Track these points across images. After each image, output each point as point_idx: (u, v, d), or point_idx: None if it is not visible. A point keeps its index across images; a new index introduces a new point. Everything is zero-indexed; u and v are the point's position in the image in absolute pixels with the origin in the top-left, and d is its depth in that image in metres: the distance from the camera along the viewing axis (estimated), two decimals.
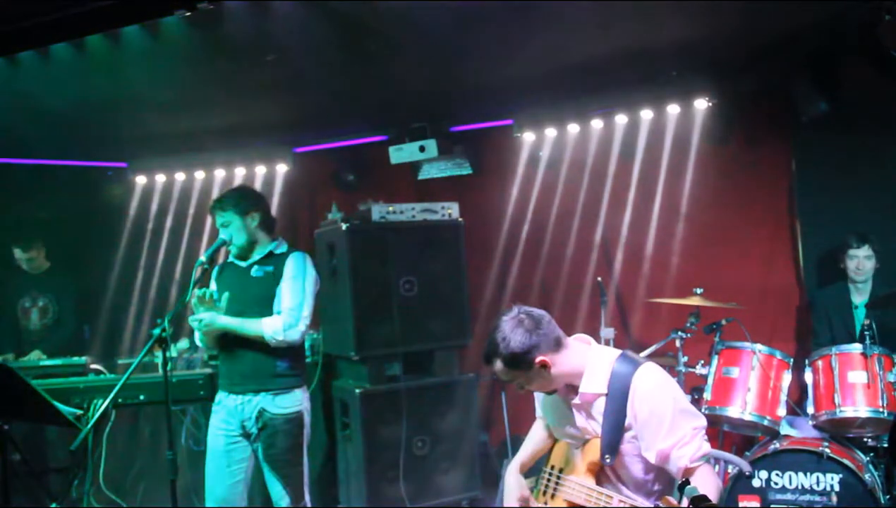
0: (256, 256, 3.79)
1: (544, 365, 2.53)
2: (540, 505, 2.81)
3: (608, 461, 2.53)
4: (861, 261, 4.65)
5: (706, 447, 2.48)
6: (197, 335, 3.83)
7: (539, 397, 2.89)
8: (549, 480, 2.82)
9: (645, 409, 2.47)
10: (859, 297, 4.77)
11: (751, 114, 5.23)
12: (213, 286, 3.87)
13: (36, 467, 4.42)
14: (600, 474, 2.60)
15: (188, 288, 3.49)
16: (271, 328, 3.61)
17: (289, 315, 3.65)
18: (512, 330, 2.54)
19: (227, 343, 3.70)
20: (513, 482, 2.88)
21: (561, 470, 2.78)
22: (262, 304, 3.68)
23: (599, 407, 2.57)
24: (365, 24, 3.84)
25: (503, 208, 5.99)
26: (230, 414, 3.69)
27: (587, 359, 2.61)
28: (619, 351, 2.65)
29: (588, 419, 2.62)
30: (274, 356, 3.65)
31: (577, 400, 2.62)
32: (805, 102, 4.75)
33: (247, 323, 3.64)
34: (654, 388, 2.49)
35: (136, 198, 6.22)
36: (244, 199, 3.79)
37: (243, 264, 3.81)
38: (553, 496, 2.77)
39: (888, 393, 3.97)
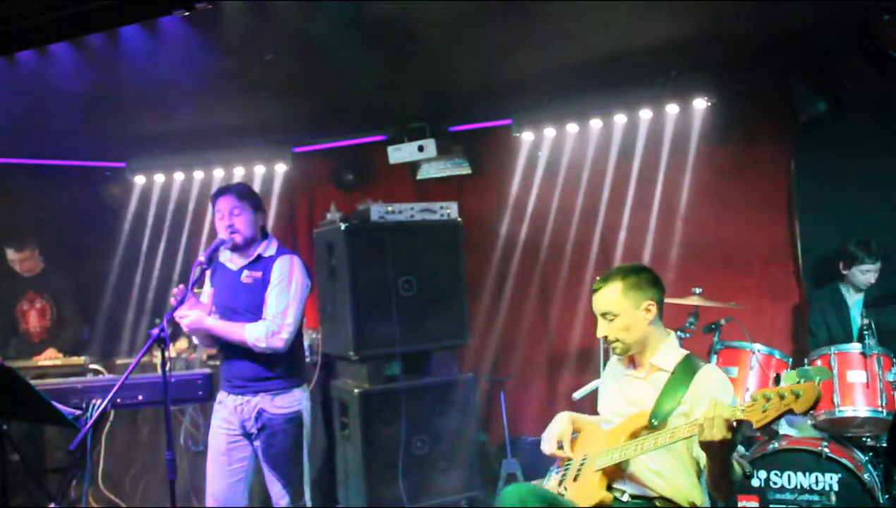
0: (248, 259, 3.73)
1: (648, 310, 2.76)
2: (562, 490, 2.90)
3: (654, 423, 2.67)
4: (872, 275, 4.68)
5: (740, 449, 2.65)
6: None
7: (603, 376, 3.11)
8: (577, 468, 2.89)
9: (706, 394, 2.58)
10: (854, 297, 4.78)
11: (750, 114, 5.23)
12: (208, 286, 3.86)
13: (34, 467, 4.41)
14: (617, 470, 2.75)
15: (187, 288, 3.47)
16: (254, 335, 3.56)
17: (272, 322, 3.59)
18: (639, 272, 2.81)
19: (227, 343, 3.68)
20: (561, 420, 3.04)
21: (585, 458, 2.87)
22: (252, 312, 3.64)
23: (659, 382, 2.76)
24: (364, 24, 3.84)
25: (502, 208, 5.99)
26: (231, 413, 3.68)
27: (665, 340, 2.83)
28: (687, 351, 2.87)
29: (645, 390, 2.79)
30: (273, 356, 3.63)
31: (640, 373, 2.83)
32: (805, 102, 4.75)
33: (231, 328, 3.61)
34: (721, 383, 2.70)
35: (134, 198, 6.21)
36: (258, 197, 3.78)
37: (234, 268, 3.75)
38: (576, 479, 2.83)
39: (887, 392, 3.98)
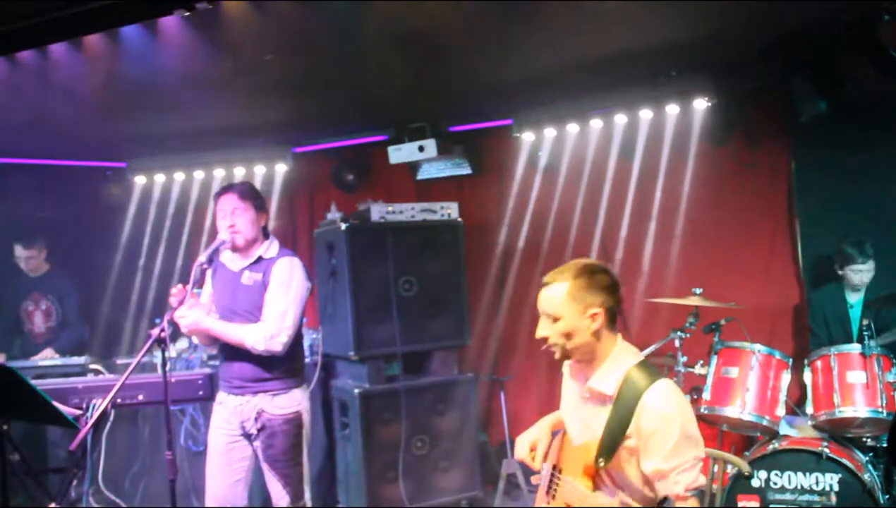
0: (249, 260, 3.73)
1: (593, 318, 2.48)
2: (543, 506, 2.79)
3: (601, 464, 2.47)
4: (864, 275, 4.67)
5: (702, 479, 2.43)
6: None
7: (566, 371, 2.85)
8: (551, 479, 2.81)
9: (651, 426, 2.39)
10: (854, 297, 4.78)
11: (750, 114, 5.23)
12: (208, 286, 3.86)
13: (35, 467, 4.41)
14: (596, 477, 2.56)
15: (186, 288, 3.46)
16: (253, 337, 3.56)
17: (272, 324, 3.58)
18: (593, 272, 2.51)
19: (227, 344, 3.68)
20: (539, 426, 2.89)
21: (560, 470, 2.76)
22: (252, 313, 3.64)
23: (603, 411, 2.52)
24: (364, 24, 3.84)
25: (502, 208, 5.99)
26: (231, 413, 3.68)
27: (610, 355, 2.55)
28: (641, 357, 2.58)
29: (591, 416, 2.58)
30: (272, 357, 3.63)
31: (585, 394, 2.60)
32: (805, 102, 4.75)
33: (230, 329, 3.61)
34: (666, 409, 2.40)
35: (135, 198, 6.21)
36: (260, 197, 3.77)
37: (235, 269, 3.74)
38: (554, 496, 2.76)
39: (887, 393, 3.98)
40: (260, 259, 3.71)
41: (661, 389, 2.44)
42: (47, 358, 5.20)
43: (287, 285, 3.65)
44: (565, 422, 2.80)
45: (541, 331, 2.57)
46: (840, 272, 4.76)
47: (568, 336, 2.51)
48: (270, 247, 3.76)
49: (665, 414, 2.39)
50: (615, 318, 2.55)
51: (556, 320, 2.51)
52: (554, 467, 2.82)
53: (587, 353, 2.55)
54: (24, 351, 5.47)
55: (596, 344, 2.53)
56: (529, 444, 2.86)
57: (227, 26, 3.61)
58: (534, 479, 2.89)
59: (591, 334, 2.50)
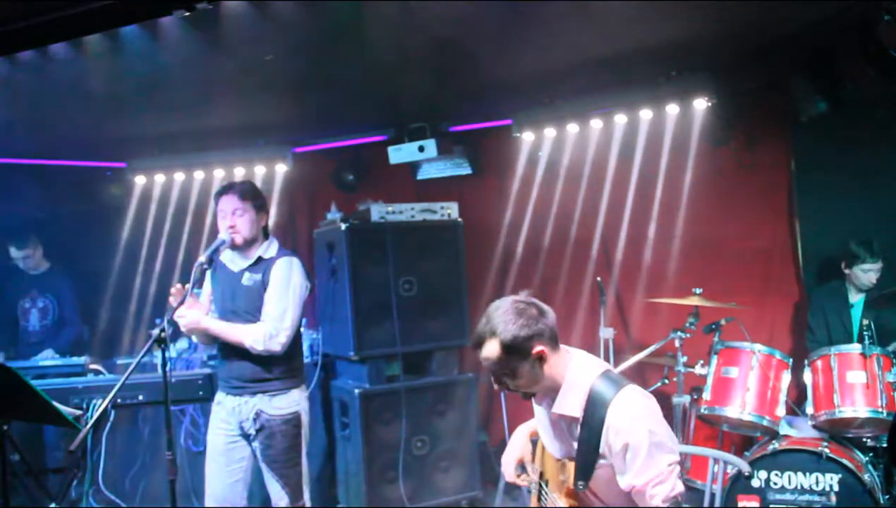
0: (248, 260, 3.73)
1: (541, 357, 2.39)
2: None
3: (581, 487, 2.43)
4: (873, 275, 4.67)
5: (679, 486, 2.37)
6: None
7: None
8: (540, 488, 2.79)
9: (619, 442, 2.35)
10: (856, 296, 4.78)
11: (750, 114, 5.22)
12: (207, 286, 3.86)
13: (35, 467, 4.41)
14: (581, 498, 2.52)
15: (186, 288, 3.46)
16: (252, 337, 3.56)
17: (271, 324, 3.59)
18: (517, 312, 2.39)
19: (226, 344, 3.68)
20: (518, 441, 2.84)
21: (547, 482, 2.75)
22: (252, 314, 3.64)
23: (573, 431, 2.47)
24: (364, 24, 3.84)
25: (502, 208, 5.99)
26: (229, 414, 3.68)
27: (568, 375, 2.47)
28: (602, 369, 2.50)
29: (565, 436, 2.54)
30: (272, 358, 3.63)
31: (554, 417, 2.53)
32: (805, 102, 4.75)
33: (229, 329, 3.61)
34: (629, 421, 2.34)
35: (135, 199, 6.21)
36: (261, 197, 3.77)
37: (235, 270, 3.74)
38: (540, 496, 2.76)
39: (887, 393, 3.98)
40: (260, 259, 3.71)
41: (623, 401, 2.38)
42: (47, 357, 5.20)
43: (286, 285, 3.65)
44: (542, 439, 2.76)
45: (496, 387, 2.50)
46: (847, 271, 4.75)
47: (528, 383, 2.45)
48: (270, 248, 3.76)
49: (630, 429, 2.34)
50: (556, 339, 2.47)
51: (507, 375, 2.43)
52: (541, 475, 2.80)
53: (550, 382, 2.48)
54: (18, 350, 5.47)
55: (551, 372, 2.45)
56: (516, 463, 2.82)
57: (228, 26, 3.61)
58: (521, 480, 2.85)
59: (548, 372, 2.44)
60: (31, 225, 5.77)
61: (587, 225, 5.76)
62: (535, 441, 2.87)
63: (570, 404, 2.45)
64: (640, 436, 2.33)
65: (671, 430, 2.45)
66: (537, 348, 2.39)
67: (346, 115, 5.76)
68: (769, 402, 4.17)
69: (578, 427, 2.43)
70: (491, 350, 2.40)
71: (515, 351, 2.38)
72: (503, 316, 2.40)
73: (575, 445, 2.45)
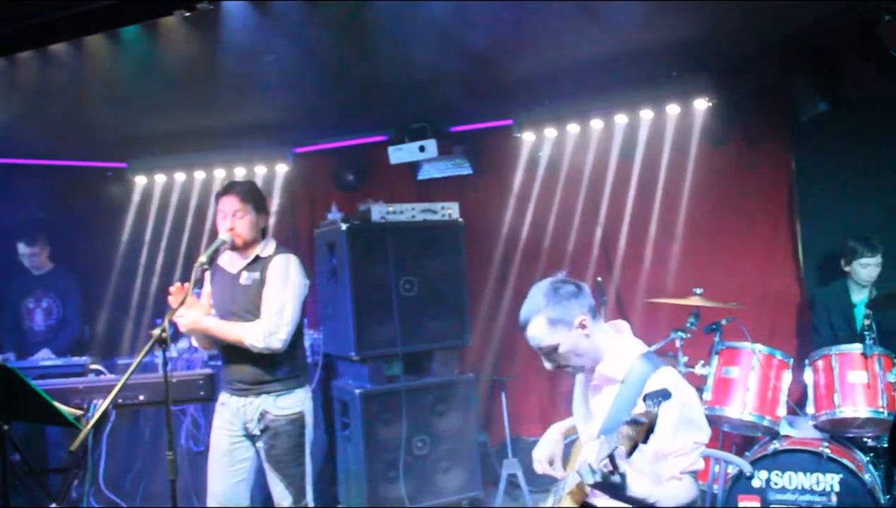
0: (246, 260, 3.72)
1: (583, 326, 2.53)
2: (549, 506, 2.78)
3: (604, 440, 2.43)
4: (873, 269, 4.66)
5: (700, 464, 2.46)
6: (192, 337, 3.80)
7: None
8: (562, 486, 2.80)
9: None
10: (859, 295, 4.77)
11: (751, 114, 5.22)
12: (207, 286, 3.85)
13: (35, 467, 4.41)
14: (579, 489, 2.55)
15: (185, 288, 3.46)
16: (251, 335, 3.55)
17: (270, 321, 3.57)
18: (555, 289, 2.56)
19: (228, 345, 3.68)
20: (550, 438, 2.87)
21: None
22: (252, 313, 3.63)
23: (612, 392, 2.57)
24: (365, 24, 3.84)
25: (503, 208, 5.99)
26: (234, 415, 3.68)
27: (613, 344, 2.62)
28: (645, 349, 2.65)
29: (600, 402, 2.62)
30: (275, 357, 3.63)
31: (594, 381, 2.64)
32: (805, 102, 4.75)
33: (229, 327, 3.60)
34: (672, 385, 2.42)
35: (135, 199, 6.21)
36: (262, 198, 3.76)
37: (233, 271, 3.73)
38: (560, 497, 2.76)
39: (888, 393, 3.97)
40: (257, 258, 3.71)
41: (665, 374, 2.50)
42: (47, 358, 5.20)
43: (284, 281, 3.65)
44: (576, 422, 2.82)
45: (549, 366, 2.62)
46: (847, 268, 4.74)
47: (573, 355, 2.58)
48: (267, 246, 3.76)
49: (672, 384, 2.42)
50: (594, 311, 2.61)
51: (555, 349, 2.57)
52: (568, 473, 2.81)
53: (594, 358, 2.61)
54: (20, 350, 5.47)
55: (598, 345, 2.59)
56: (548, 459, 2.85)
57: (228, 26, 3.61)
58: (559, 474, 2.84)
59: (589, 340, 2.57)
60: (39, 224, 5.78)
61: (588, 225, 5.76)
62: (566, 440, 2.91)
63: (615, 366, 2.58)
64: (674, 405, 2.38)
65: (704, 416, 2.54)
66: (578, 317, 2.54)
67: (346, 116, 5.76)
68: (770, 402, 4.17)
69: (616, 390, 2.54)
70: (537, 327, 2.57)
71: (559, 323, 2.54)
72: (544, 295, 2.58)
73: (607, 409, 2.54)
